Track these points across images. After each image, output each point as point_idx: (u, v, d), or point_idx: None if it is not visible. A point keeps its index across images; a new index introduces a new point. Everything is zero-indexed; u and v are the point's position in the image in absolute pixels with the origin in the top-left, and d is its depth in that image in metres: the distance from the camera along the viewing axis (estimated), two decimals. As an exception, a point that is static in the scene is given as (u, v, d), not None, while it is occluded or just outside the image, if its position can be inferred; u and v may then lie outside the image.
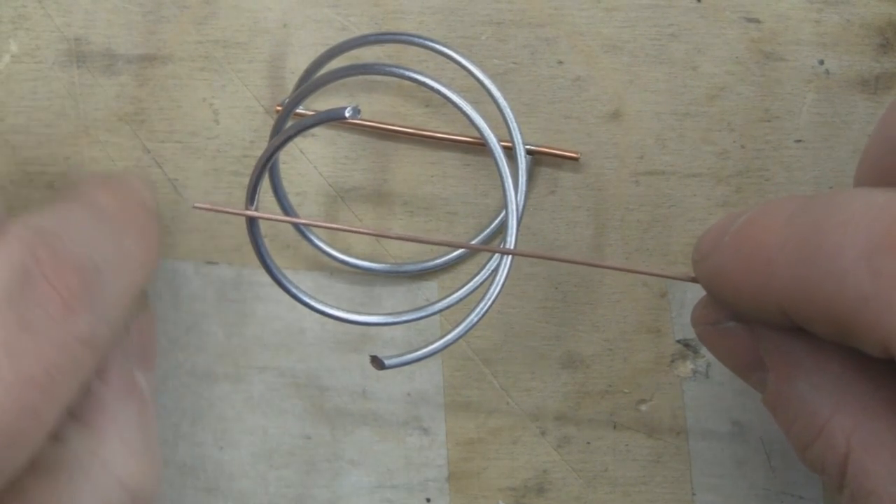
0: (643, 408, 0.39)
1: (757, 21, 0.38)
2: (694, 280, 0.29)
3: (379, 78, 0.39)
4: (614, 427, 0.39)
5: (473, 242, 0.38)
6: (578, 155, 0.38)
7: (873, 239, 0.23)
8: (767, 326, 0.28)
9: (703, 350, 0.38)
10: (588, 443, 0.39)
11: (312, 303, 0.36)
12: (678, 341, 0.39)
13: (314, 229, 0.38)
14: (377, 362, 0.32)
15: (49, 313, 0.27)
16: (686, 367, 0.39)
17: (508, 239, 0.34)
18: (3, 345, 0.26)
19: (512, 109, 0.36)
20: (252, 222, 0.35)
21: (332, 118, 0.28)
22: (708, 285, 0.29)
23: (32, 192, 0.39)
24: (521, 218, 0.35)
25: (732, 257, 0.27)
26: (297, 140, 0.39)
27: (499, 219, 0.38)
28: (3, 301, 0.26)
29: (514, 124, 0.36)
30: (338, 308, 0.36)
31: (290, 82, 0.39)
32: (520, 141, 0.36)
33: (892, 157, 0.27)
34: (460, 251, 0.38)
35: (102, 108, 0.39)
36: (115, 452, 0.30)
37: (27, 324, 0.26)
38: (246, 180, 0.35)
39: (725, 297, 0.28)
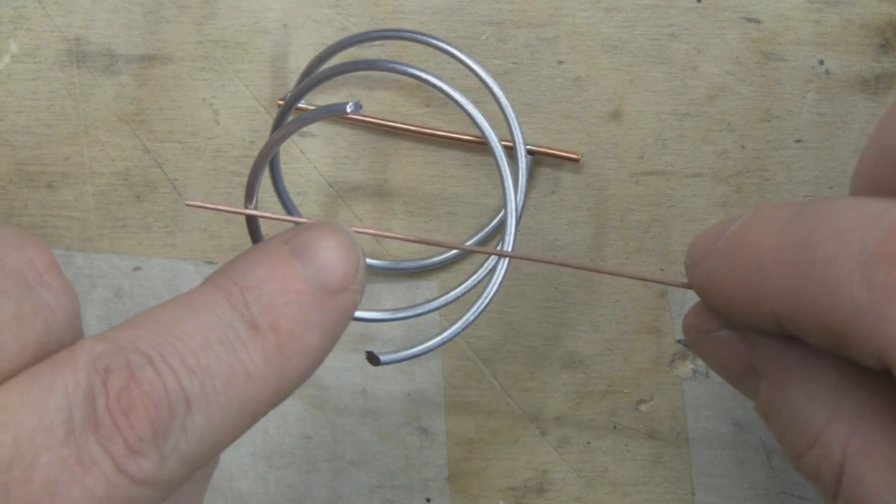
0: (643, 408, 0.39)
1: (757, 21, 0.38)
2: (688, 286, 0.29)
3: (380, 76, 0.39)
4: (614, 427, 0.39)
5: (471, 241, 0.38)
6: (579, 156, 0.38)
7: (867, 250, 0.23)
8: (761, 334, 0.27)
9: (704, 350, 0.38)
10: (588, 443, 0.39)
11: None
12: (678, 341, 0.38)
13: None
14: (373, 358, 0.32)
15: (108, 451, 0.23)
16: (686, 367, 0.39)
17: (507, 239, 0.34)
18: (49, 483, 0.23)
19: (513, 109, 0.36)
20: (251, 218, 0.34)
21: (333, 112, 0.28)
22: (701, 291, 0.28)
23: (32, 192, 0.39)
24: (520, 218, 0.35)
25: (726, 263, 0.26)
26: (298, 139, 0.39)
27: (497, 218, 0.38)
28: (63, 434, 0.23)
29: (516, 124, 0.36)
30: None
31: (290, 82, 0.39)
32: (521, 140, 0.36)
33: (886, 168, 0.27)
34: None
35: (102, 108, 0.39)
36: None
37: (85, 461, 0.23)
38: (245, 180, 0.34)
39: (718, 304, 0.27)
